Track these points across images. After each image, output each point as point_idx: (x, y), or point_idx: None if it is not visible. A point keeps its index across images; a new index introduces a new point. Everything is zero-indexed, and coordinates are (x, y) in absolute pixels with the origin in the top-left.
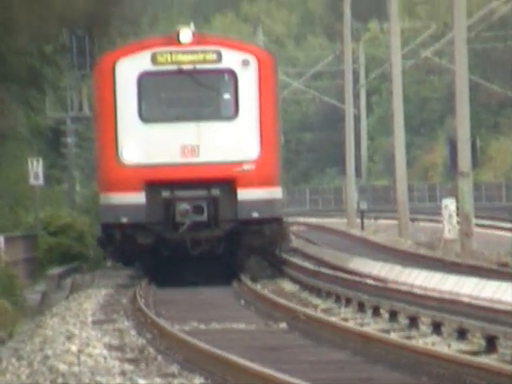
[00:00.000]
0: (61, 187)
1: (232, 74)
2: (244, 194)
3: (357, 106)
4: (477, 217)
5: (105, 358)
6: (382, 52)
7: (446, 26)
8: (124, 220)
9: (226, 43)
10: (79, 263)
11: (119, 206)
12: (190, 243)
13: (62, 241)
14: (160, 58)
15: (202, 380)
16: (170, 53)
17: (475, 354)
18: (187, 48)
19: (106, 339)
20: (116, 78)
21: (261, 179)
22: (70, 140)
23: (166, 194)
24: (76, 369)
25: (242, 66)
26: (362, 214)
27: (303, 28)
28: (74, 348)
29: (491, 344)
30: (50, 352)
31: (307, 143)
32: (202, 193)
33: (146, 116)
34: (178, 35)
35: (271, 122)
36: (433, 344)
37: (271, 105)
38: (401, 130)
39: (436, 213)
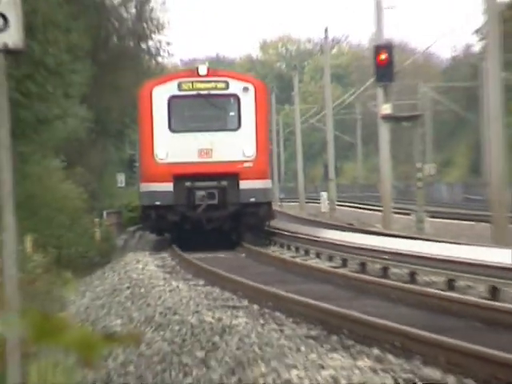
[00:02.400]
0: (133, 188)
1: (236, 97)
2: (244, 184)
3: (279, 147)
4: (338, 201)
5: (155, 271)
6: (291, 120)
7: (322, 106)
8: (158, 202)
9: (231, 75)
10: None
11: (155, 192)
12: (205, 220)
13: (134, 214)
14: (184, 86)
15: (203, 282)
16: (192, 82)
17: (337, 267)
18: (204, 78)
19: (156, 262)
20: (153, 100)
21: (257, 174)
22: (137, 164)
23: (188, 184)
24: (141, 276)
25: (243, 91)
26: (281, 200)
27: None
28: (140, 266)
29: (344, 262)
30: (128, 268)
31: None
32: (214, 183)
33: (174, 128)
34: (198, 69)
35: (264, 132)
36: (316, 263)
37: (264, 120)
38: (300, 159)
39: (318, 199)
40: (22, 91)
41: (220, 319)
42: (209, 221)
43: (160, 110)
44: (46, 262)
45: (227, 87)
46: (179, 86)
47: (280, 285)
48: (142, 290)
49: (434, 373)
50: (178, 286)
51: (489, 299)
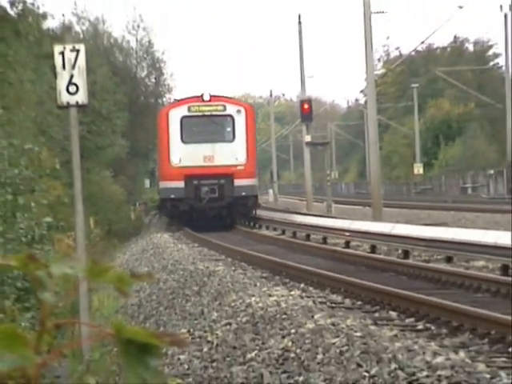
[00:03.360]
0: (154, 188)
1: (231, 117)
2: (237, 182)
3: None
4: (279, 194)
5: (168, 240)
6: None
7: (269, 137)
8: (172, 196)
9: (228, 100)
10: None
11: (170, 188)
12: (208, 209)
13: (155, 204)
14: (192, 108)
15: (204, 249)
16: (198, 105)
17: (279, 235)
18: (207, 103)
19: (170, 234)
20: (169, 119)
21: (246, 174)
22: (156, 169)
23: (195, 182)
24: (158, 242)
25: (237, 113)
26: None
27: None
28: (158, 235)
29: (283, 232)
30: (152, 237)
31: None
32: (215, 181)
33: (185, 140)
34: (202, 96)
35: (252, 143)
36: (267, 232)
37: (252, 134)
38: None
39: (266, 193)
40: (88, 130)
41: (208, 267)
42: (211, 209)
43: (174, 127)
44: (102, 234)
45: (225, 109)
46: (189, 109)
47: (245, 246)
48: (160, 249)
49: (337, 298)
50: (181, 247)
51: (370, 253)
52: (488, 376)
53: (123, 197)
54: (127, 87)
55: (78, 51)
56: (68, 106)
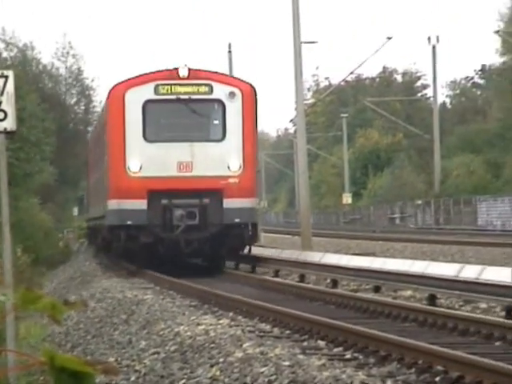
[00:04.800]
0: (82, 216)
1: (221, 103)
2: (229, 203)
3: None
4: None
5: (96, 268)
6: None
7: None
8: (129, 222)
9: (216, 78)
10: None
11: (125, 210)
12: (184, 243)
13: (83, 231)
14: (162, 89)
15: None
16: (170, 85)
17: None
18: (184, 81)
19: (97, 261)
20: (125, 104)
21: (243, 191)
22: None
23: (164, 201)
24: (87, 270)
25: (229, 97)
26: None
27: None
28: (87, 263)
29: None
30: (80, 264)
31: None
32: (194, 201)
33: (149, 137)
34: (178, 71)
35: (251, 144)
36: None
37: (251, 130)
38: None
39: None
40: (16, 157)
41: (136, 295)
42: (187, 244)
43: (133, 117)
44: (30, 261)
45: (211, 91)
46: (156, 90)
47: (174, 274)
48: (89, 277)
49: (265, 326)
50: (110, 276)
51: (299, 282)
52: None
53: (51, 224)
54: (56, 114)
55: (6, 77)
56: None
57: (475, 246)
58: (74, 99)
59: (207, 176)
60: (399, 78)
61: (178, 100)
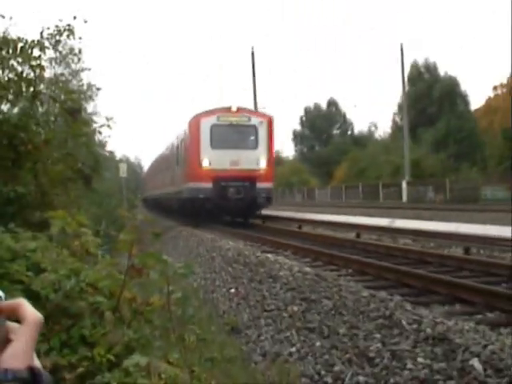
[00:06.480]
0: None
1: (255, 127)
2: (259, 185)
3: None
4: None
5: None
6: None
7: None
8: (201, 195)
9: (252, 113)
10: None
11: (199, 188)
12: (234, 208)
13: None
14: (221, 118)
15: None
16: (227, 116)
17: None
18: (234, 114)
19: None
20: (200, 126)
21: (266, 178)
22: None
23: (223, 183)
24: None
25: (259, 123)
26: None
27: None
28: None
29: None
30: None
31: None
32: (240, 184)
33: (214, 145)
34: (231, 107)
35: (271, 151)
36: None
37: (271, 143)
38: None
39: None
40: None
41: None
42: (235, 208)
43: (205, 133)
44: None
45: (249, 120)
46: (218, 118)
47: (226, 226)
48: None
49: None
50: (184, 228)
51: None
52: None
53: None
54: None
55: None
56: None
57: None
58: None
59: (247, 169)
60: None
61: (231, 125)
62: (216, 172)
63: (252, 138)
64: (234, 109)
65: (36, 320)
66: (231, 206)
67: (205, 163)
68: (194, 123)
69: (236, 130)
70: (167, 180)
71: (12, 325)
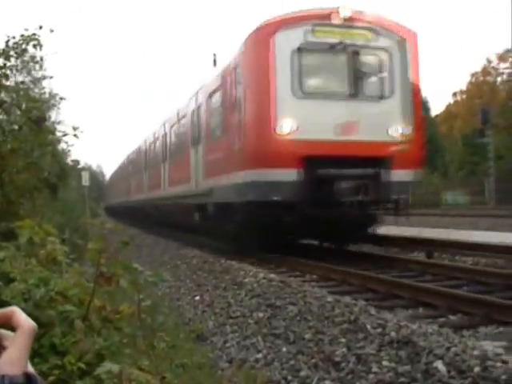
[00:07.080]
0: None
1: (388, 52)
2: (398, 174)
3: None
4: None
5: None
6: None
7: None
8: (275, 198)
9: (382, 22)
10: None
11: (270, 182)
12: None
13: None
14: (318, 33)
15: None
16: (329, 28)
17: None
18: (346, 24)
19: None
20: (275, 50)
21: (413, 160)
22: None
23: (322, 171)
24: None
25: (397, 45)
26: None
27: None
28: None
29: None
30: None
31: None
32: (358, 171)
33: (304, 91)
34: (339, 11)
35: (420, 102)
36: None
37: (419, 85)
38: None
39: None
40: None
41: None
42: (346, 222)
43: (282, 65)
44: None
45: (377, 37)
46: (312, 32)
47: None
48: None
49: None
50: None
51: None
52: None
53: None
54: None
55: None
56: None
57: None
58: None
59: (373, 141)
60: None
61: (338, 46)
62: (309, 146)
63: (383, 75)
64: (345, 13)
65: (30, 327)
66: (338, 217)
67: (285, 127)
68: (259, 43)
69: (352, 58)
70: (165, 178)
71: (5, 332)
